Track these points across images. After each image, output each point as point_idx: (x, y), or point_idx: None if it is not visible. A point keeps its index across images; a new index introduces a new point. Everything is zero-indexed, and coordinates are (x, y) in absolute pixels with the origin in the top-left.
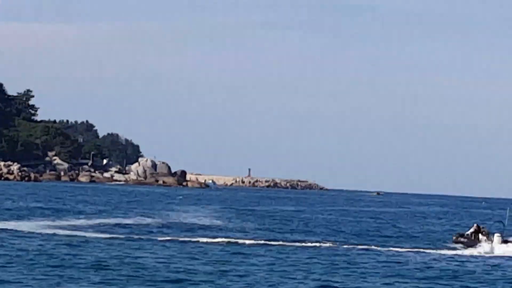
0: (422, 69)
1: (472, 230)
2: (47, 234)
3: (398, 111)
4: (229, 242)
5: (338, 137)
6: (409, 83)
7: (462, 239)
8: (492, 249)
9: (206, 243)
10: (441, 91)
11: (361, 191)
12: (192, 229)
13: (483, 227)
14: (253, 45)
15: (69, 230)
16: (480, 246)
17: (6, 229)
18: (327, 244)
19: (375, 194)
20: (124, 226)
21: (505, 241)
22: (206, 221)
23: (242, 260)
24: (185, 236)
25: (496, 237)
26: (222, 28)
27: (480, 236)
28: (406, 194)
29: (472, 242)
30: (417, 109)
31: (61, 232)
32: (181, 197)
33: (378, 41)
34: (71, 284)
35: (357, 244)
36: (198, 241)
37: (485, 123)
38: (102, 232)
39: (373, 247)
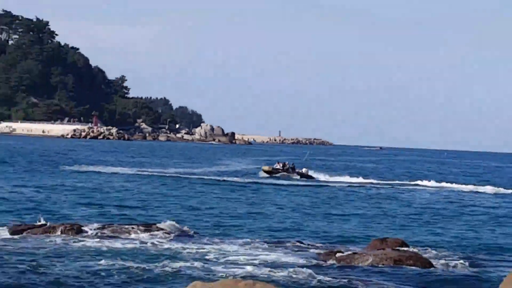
0: None
1: (277, 165)
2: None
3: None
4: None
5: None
6: None
7: (274, 170)
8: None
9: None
10: None
11: (364, 146)
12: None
13: (291, 164)
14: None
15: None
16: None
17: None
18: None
19: (378, 148)
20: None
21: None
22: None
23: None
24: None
25: (305, 169)
26: None
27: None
28: (407, 149)
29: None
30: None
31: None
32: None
33: None
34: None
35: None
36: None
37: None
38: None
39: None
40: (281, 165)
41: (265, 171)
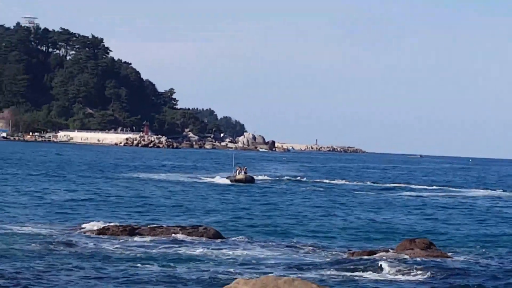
0: None
1: (237, 169)
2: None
3: None
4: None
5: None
6: None
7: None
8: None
9: None
10: None
11: (403, 154)
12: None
13: (242, 167)
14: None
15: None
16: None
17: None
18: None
19: (418, 156)
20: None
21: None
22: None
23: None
24: None
25: (238, 170)
26: None
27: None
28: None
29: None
30: None
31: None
32: (284, 158)
33: None
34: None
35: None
36: None
37: None
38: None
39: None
40: (243, 170)
41: (236, 180)
